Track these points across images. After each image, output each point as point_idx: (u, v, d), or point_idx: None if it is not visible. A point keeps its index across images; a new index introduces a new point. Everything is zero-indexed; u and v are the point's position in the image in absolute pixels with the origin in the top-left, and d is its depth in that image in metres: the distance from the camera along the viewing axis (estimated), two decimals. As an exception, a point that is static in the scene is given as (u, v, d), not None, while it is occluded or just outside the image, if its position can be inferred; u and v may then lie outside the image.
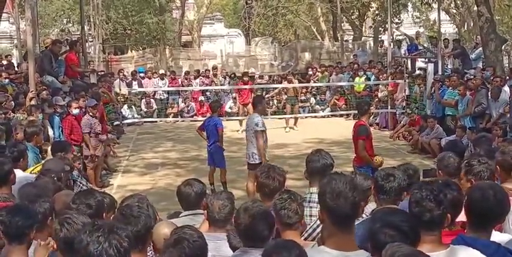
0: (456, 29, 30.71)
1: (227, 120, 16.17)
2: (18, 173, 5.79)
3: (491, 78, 13.27)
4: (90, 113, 10.60)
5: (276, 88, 19.89)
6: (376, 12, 27.32)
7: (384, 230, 2.72)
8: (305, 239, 4.12)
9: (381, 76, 17.85)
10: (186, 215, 4.62)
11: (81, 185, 6.52)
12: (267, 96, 20.07)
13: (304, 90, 19.91)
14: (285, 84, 18.53)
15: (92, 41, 23.70)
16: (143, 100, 19.81)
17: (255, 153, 8.85)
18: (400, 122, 15.78)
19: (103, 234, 2.51)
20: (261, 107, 9.21)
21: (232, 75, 21.10)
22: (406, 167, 4.96)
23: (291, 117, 17.28)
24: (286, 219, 3.81)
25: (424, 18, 34.69)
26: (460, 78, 14.18)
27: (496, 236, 3.41)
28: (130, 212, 3.46)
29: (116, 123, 16.69)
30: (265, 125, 8.93)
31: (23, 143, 6.80)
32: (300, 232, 3.99)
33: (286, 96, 18.21)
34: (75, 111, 10.60)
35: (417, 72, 17.88)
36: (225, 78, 21.09)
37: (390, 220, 2.75)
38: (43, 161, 7.14)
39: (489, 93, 12.41)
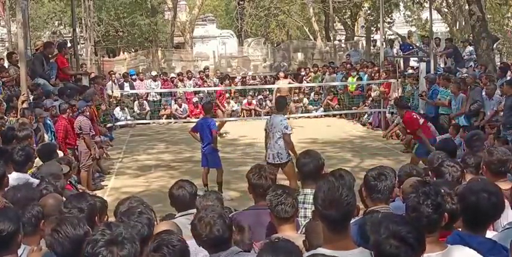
0: (448, 28, 30.79)
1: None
2: (12, 175, 5.77)
3: (483, 76, 13.31)
4: (84, 114, 10.59)
5: (269, 89, 19.91)
6: (368, 11, 27.37)
7: (389, 241, 2.64)
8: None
9: (373, 75, 17.85)
10: (180, 216, 4.62)
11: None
12: (259, 96, 20.11)
13: (297, 90, 19.93)
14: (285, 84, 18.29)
15: (84, 43, 23.61)
16: (136, 102, 19.77)
17: (280, 153, 8.79)
18: (393, 122, 15.77)
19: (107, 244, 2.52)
20: (285, 108, 9.73)
21: (228, 77, 21.07)
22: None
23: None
24: (283, 214, 3.86)
25: (415, 17, 34.77)
26: (451, 77, 14.19)
27: (489, 234, 3.41)
28: (128, 220, 3.42)
29: (108, 125, 16.64)
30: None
31: (31, 147, 6.75)
32: (295, 225, 4.04)
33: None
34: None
35: (409, 71, 17.91)
36: (219, 79, 21.06)
37: (396, 230, 2.66)
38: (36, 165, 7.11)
39: (483, 91, 12.43)
